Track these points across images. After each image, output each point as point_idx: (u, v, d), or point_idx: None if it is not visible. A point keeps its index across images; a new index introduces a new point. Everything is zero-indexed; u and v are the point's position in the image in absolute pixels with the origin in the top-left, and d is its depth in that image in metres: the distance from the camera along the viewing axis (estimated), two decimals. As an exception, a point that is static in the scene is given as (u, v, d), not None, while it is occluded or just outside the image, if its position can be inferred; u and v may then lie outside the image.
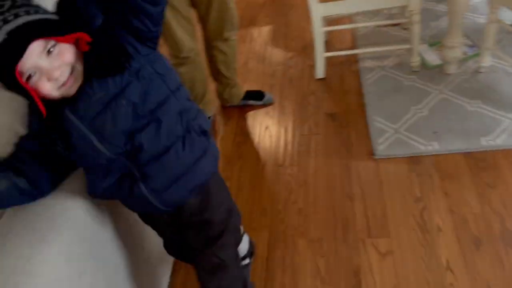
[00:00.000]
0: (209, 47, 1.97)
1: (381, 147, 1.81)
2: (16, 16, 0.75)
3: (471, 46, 2.21)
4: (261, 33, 2.81)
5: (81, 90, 0.84)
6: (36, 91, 0.79)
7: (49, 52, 0.77)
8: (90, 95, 0.83)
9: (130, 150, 0.87)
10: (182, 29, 1.74)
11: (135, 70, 0.85)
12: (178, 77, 0.95)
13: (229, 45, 1.96)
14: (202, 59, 1.98)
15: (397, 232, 1.52)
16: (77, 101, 0.84)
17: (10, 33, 0.73)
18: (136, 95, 0.84)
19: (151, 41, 0.90)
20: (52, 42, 0.77)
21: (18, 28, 0.74)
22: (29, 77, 0.77)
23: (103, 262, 0.98)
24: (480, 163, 1.68)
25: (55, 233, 0.84)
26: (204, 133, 0.96)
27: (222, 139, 2.09)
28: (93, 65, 0.83)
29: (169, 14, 1.67)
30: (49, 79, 0.78)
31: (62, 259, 0.83)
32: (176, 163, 0.91)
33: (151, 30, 0.87)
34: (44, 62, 0.77)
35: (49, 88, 0.79)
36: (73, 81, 0.82)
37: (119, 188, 0.93)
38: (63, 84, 0.80)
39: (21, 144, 0.91)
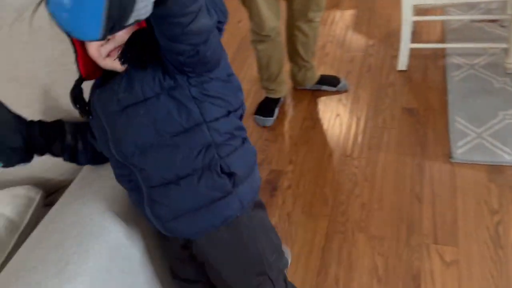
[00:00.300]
0: (291, 27, 1.92)
1: (460, 150, 1.69)
2: None
3: None
4: (344, 16, 2.71)
5: (112, 81, 0.81)
6: (85, 49, 0.78)
7: None
8: (115, 91, 0.79)
9: (137, 165, 0.80)
10: (268, 6, 1.71)
11: (168, 86, 0.76)
12: (227, 108, 0.81)
13: (312, 26, 1.90)
14: (282, 38, 1.94)
15: (466, 242, 1.43)
16: (105, 90, 0.82)
17: None
18: (159, 111, 0.76)
19: (192, 70, 0.76)
20: None
21: None
22: None
23: (131, 278, 0.92)
24: None
25: (88, 248, 0.82)
26: (230, 175, 0.81)
27: (290, 122, 2.06)
28: (126, 49, 0.75)
29: None
30: (98, 45, 0.76)
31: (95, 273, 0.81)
32: (185, 197, 0.80)
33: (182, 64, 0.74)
34: None
35: (95, 50, 0.76)
36: (115, 56, 0.76)
37: (129, 193, 0.88)
38: (108, 55, 0.77)
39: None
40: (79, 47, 0.79)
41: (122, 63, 0.75)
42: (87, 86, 0.84)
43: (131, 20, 0.50)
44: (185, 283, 0.99)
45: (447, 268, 1.37)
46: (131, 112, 0.77)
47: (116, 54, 0.75)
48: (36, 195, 1.02)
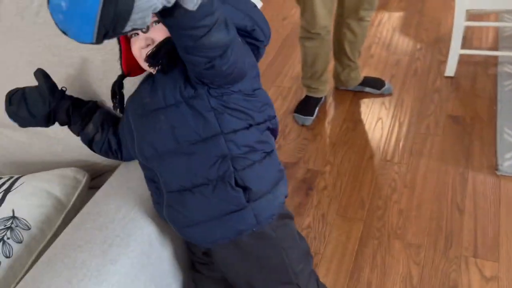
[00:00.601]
0: (340, 24, 1.90)
1: (508, 163, 1.63)
2: None
3: None
4: (391, 18, 2.66)
5: (142, 86, 0.83)
6: (130, 48, 0.79)
7: (155, 22, 0.75)
8: (143, 95, 0.81)
9: (156, 169, 0.81)
10: (323, 5, 1.70)
11: (188, 95, 0.76)
12: (248, 121, 0.80)
13: (361, 25, 1.87)
14: (331, 37, 1.92)
15: (508, 258, 1.37)
16: (136, 94, 0.84)
17: None
18: (178, 119, 0.76)
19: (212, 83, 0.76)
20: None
21: None
22: (132, 35, 0.78)
23: (167, 265, 0.93)
24: None
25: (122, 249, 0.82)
26: (245, 189, 0.78)
27: (330, 122, 2.04)
28: (154, 52, 0.75)
29: None
30: (141, 46, 0.77)
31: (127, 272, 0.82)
32: (199, 206, 0.79)
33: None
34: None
35: (138, 50, 0.78)
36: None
37: (152, 194, 0.88)
38: (144, 57, 0.77)
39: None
40: (124, 45, 0.81)
41: (148, 66, 0.77)
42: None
43: (128, 28, 0.50)
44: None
45: (487, 283, 1.32)
46: (153, 117, 0.78)
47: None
48: (83, 178, 1.06)
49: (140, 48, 0.77)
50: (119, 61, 0.83)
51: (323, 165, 1.83)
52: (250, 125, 0.79)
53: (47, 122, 0.93)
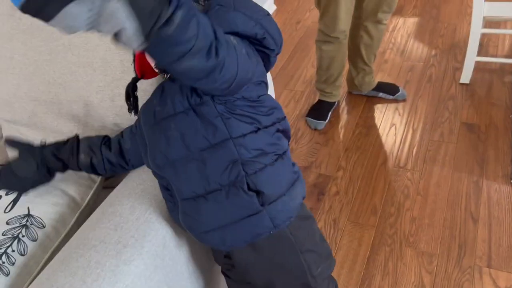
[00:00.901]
0: (358, 27, 1.89)
1: (523, 172, 1.61)
2: None
3: None
4: (406, 23, 2.64)
5: (152, 94, 0.83)
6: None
7: None
8: (154, 104, 0.81)
9: (169, 177, 0.81)
10: (346, 9, 1.70)
11: (194, 103, 0.76)
12: (255, 125, 0.79)
13: (378, 28, 1.86)
14: (347, 41, 1.92)
15: (523, 270, 1.35)
16: (148, 103, 0.84)
17: None
18: (187, 126, 0.76)
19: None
20: None
21: None
22: None
23: (180, 267, 0.93)
24: None
25: (137, 250, 0.82)
26: (258, 193, 0.78)
27: (342, 127, 2.03)
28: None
29: None
30: None
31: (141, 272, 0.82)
32: (213, 212, 0.79)
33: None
34: None
35: None
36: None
37: (167, 202, 0.88)
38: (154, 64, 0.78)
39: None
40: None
41: (158, 70, 0.77)
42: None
43: (52, 24, 0.48)
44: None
45: (500, 294, 1.30)
46: (164, 125, 0.78)
47: None
48: (98, 177, 1.07)
49: None
50: (132, 64, 0.83)
51: (335, 170, 1.82)
52: (258, 129, 0.78)
53: (46, 176, 0.95)
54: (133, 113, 0.87)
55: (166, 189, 0.85)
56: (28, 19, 1.07)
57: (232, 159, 0.76)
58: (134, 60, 0.83)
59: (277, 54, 0.84)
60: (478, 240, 1.46)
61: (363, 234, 1.55)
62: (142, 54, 0.80)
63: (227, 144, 0.75)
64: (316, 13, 1.80)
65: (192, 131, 0.76)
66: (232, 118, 0.76)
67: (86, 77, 1.02)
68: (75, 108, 1.07)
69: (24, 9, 0.46)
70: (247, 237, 0.81)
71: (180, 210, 0.82)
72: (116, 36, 0.52)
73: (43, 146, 0.95)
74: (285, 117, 0.86)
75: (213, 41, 0.61)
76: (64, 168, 0.96)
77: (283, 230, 0.82)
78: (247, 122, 0.77)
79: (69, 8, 0.46)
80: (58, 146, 0.95)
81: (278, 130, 0.83)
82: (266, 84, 0.84)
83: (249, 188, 0.77)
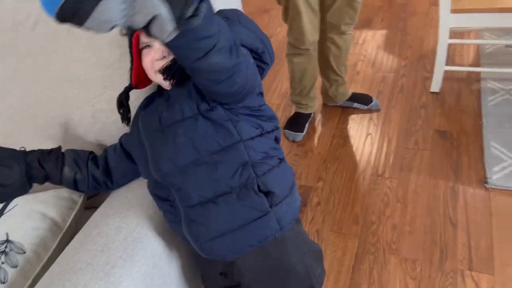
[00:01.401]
0: (324, 39, 1.91)
1: (496, 176, 1.66)
2: None
3: None
4: (375, 36, 2.72)
5: (157, 101, 0.83)
6: (141, 61, 0.80)
7: None
8: (159, 110, 0.81)
9: (175, 184, 0.80)
10: (310, 21, 1.72)
11: (204, 109, 0.77)
12: (260, 130, 0.82)
13: (344, 39, 1.90)
14: (317, 53, 1.95)
15: (502, 271, 1.39)
16: (150, 110, 0.84)
17: None
18: (197, 131, 0.77)
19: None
20: None
21: None
22: (144, 48, 0.80)
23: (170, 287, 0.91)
24: None
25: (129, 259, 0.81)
26: (267, 194, 0.80)
27: (319, 138, 2.05)
28: (171, 64, 0.77)
29: (301, 6, 1.66)
30: (153, 59, 0.79)
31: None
32: (223, 216, 0.79)
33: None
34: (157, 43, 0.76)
35: (150, 61, 0.79)
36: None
37: (165, 214, 0.87)
38: (159, 70, 0.78)
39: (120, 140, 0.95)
40: (136, 57, 0.81)
41: (164, 78, 0.77)
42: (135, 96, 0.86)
43: (88, 25, 0.48)
44: None
45: (483, 296, 1.33)
46: (171, 132, 0.79)
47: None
48: (79, 198, 1.03)
49: (153, 60, 0.78)
50: (129, 72, 0.83)
51: (315, 181, 1.83)
52: (262, 133, 0.82)
53: (24, 186, 0.88)
54: (125, 123, 0.87)
55: (166, 200, 0.84)
56: (4, 37, 1.04)
57: (242, 161, 0.78)
58: (131, 68, 0.83)
59: (269, 68, 0.88)
60: (458, 244, 1.49)
61: (346, 244, 1.56)
62: (139, 63, 0.81)
63: (237, 147, 0.78)
64: (286, 27, 1.82)
65: (202, 135, 0.77)
66: (241, 121, 0.79)
67: (68, 92, 1.00)
68: (54, 124, 1.04)
69: (60, 14, 0.47)
70: (254, 240, 0.81)
71: (185, 219, 0.81)
72: (148, 27, 0.53)
73: (27, 152, 0.90)
74: (279, 127, 0.89)
75: (233, 42, 0.64)
76: (45, 178, 0.91)
77: (287, 232, 0.84)
78: (253, 125, 0.81)
79: (104, 2, 0.47)
80: (43, 153, 0.90)
81: (276, 138, 0.87)
82: (263, 95, 0.87)
83: (260, 189, 0.79)
